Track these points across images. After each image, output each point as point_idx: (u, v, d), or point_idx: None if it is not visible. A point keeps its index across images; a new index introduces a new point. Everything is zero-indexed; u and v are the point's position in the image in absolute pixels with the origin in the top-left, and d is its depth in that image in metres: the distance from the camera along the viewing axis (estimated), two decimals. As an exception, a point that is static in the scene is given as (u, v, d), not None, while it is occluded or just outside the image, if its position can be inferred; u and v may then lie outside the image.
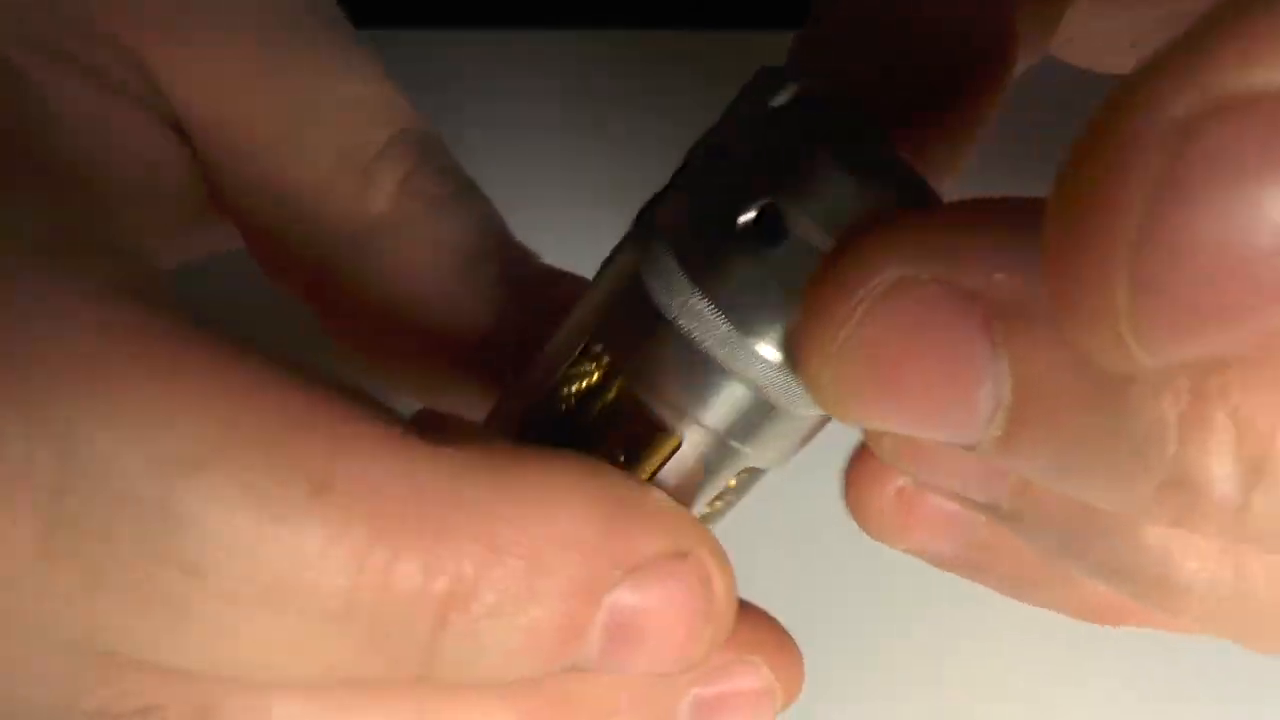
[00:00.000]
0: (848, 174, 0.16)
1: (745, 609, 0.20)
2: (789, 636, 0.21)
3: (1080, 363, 0.14)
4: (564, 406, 0.19)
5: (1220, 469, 0.14)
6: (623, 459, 0.19)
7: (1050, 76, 0.25)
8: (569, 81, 0.42)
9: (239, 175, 0.23)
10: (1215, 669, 0.33)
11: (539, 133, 0.39)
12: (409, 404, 0.24)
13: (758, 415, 0.18)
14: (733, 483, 0.20)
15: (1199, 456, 0.14)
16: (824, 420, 0.19)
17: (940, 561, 0.20)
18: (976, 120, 0.21)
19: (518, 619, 0.17)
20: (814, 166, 0.16)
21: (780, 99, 0.17)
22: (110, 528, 0.16)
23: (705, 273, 0.17)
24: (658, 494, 0.18)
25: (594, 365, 0.19)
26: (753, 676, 0.20)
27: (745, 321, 0.17)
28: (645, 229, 0.18)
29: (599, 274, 0.20)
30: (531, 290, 0.23)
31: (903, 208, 0.17)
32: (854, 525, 0.20)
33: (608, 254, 0.20)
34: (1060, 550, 0.18)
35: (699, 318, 0.17)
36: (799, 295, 0.16)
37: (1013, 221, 0.15)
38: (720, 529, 0.20)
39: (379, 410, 0.17)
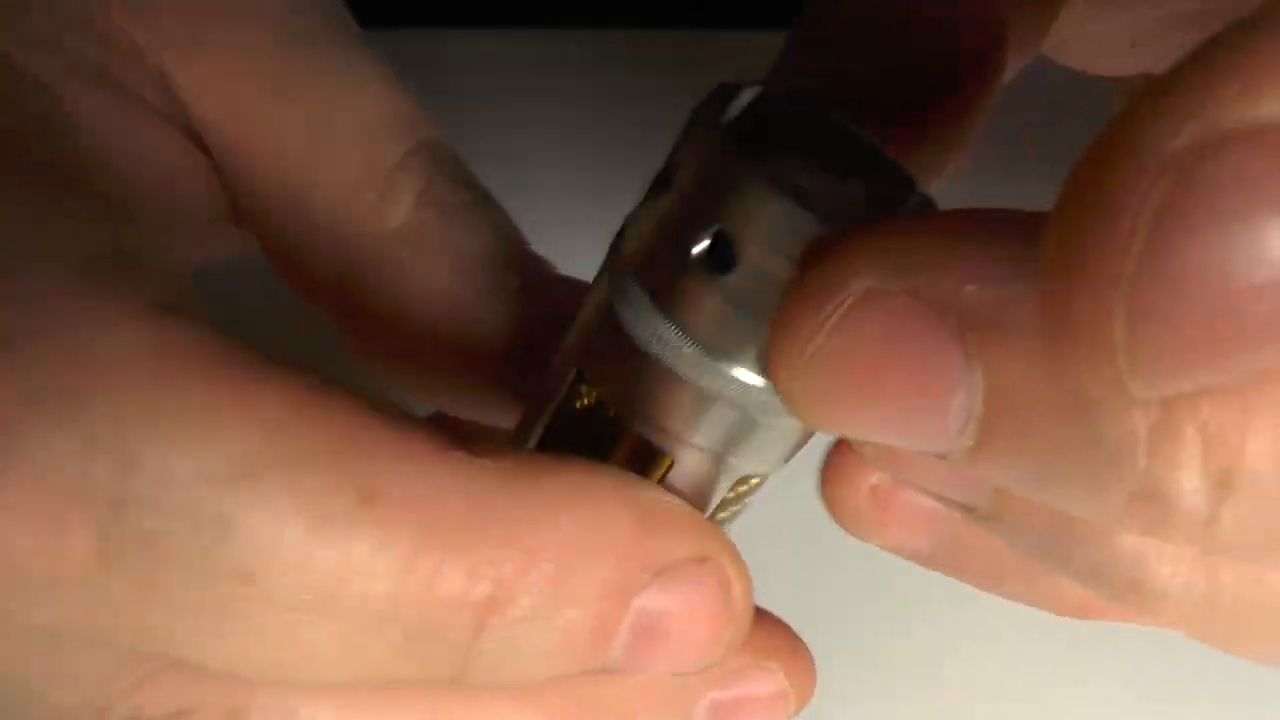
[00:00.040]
0: (788, 198, 0.16)
1: (760, 615, 0.20)
2: (802, 642, 0.21)
3: (1053, 375, 0.14)
4: (567, 425, 0.20)
5: (1190, 482, 0.14)
6: None
7: (1043, 78, 0.25)
8: (569, 81, 0.42)
9: (258, 187, 0.23)
10: (1214, 668, 0.32)
11: (539, 133, 0.39)
12: (423, 408, 0.24)
13: (744, 429, 0.18)
14: (732, 493, 0.20)
15: (1168, 470, 0.14)
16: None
17: (917, 557, 0.20)
18: (968, 121, 0.21)
19: (553, 621, 0.17)
20: (754, 192, 0.16)
21: (729, 118, 0.17)
22: (165, 538, 0.16)
23: (670, 302, 0.18)
24: (680, 501, 0.19)
25: (584, 389, 0.19)
26: (768, 681, 0.21)
27: (715, 346, 0.17)
28: (615, 258, 0.19)
29: (584, 299, 0.20)
30: (547, 298, 0.23)
31: (867, 215, 0.17)
32: (852, 526, 0.20)
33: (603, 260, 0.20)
34: (1037, 552, 0.18)
35: (670, 346, 0.18)
36: (765, 314, 0.17)
37: (985, 232, 0.14)
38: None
39: (420, 423, 0.18)
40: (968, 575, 0.21)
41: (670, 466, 0.19)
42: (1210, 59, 0.11)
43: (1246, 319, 0.11)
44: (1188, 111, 0.11)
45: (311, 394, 0.17)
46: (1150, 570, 0.17)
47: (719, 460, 0.19)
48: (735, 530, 0.21)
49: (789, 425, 0.18)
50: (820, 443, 0.20)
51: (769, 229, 0.16)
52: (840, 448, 0.20)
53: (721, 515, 0.20)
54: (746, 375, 0.18)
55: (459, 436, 0.18)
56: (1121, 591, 0.17)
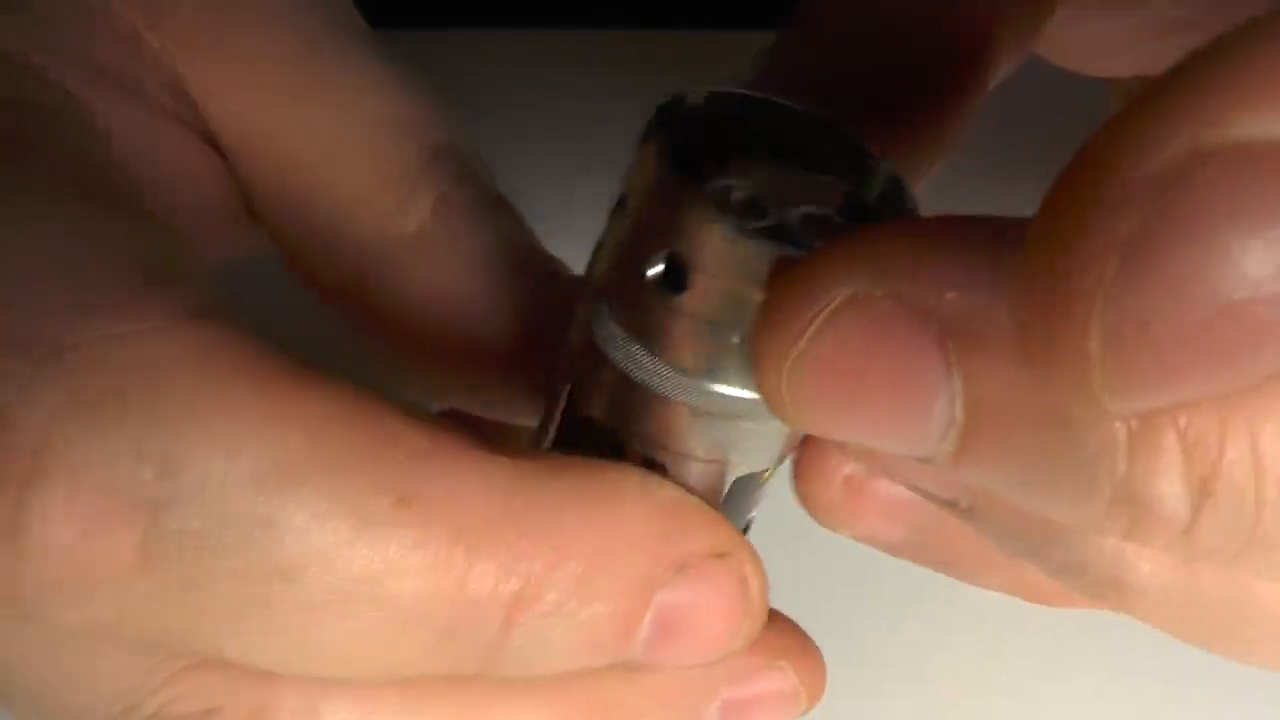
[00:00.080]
0: (730, 219, 0.16)
1: (771, 615, 0.21)
2: (812, 642, 0.21)
3: (1033, 382, 0.14)
4: (573, 434, 0.20)
5: (1169, 488, 0.14)
6: None
7: (1039, 78, 0.25)
8: (569, 81, 0.42)
9: (275, 190, 0.23)
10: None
11: (539, 133, 0.39)
12: (437, 404, 0.25)
13: (732, 434, 0.19)
14: (738, 488, 0.20)
15: (1148, 476, 0.14)
16: None
17: (890, 548, 0.21)
18: (955, 121, 0.21)
19: (579, 616, 0.18)
20: (697, 216, 0.16)
21: (670, 138, 0.17)
22: (207, 539, 0.16)
23: (636, 323, 0.18)
24: (698, 500, 0.19)
25: (575, 403, 0.20)
26: (779, 680, 0.21)
27: (686, 363, 0.18)
28: (587, 279, 0.19)
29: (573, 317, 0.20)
30: (561, 298, 0.23)
31: (823, 215, 0.17)
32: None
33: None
34: (1015, 548, 0.18)
35: (642, 366, 0.18)
36: (729, 328, 0.17)
37: (967, 239, 0.14)
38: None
39: (450, 427, 0.18)
40: (941, 565, 0.21)
41: (669, 472, 0.19)
42: (1187, 78, 0.11)
43: (1222, 339, 0.11)
44: (1164, 132, 0.11)
45: (349, 398, 0.17)
46: (1129, 568, 0.17)
47: (709, 463, 0.19)
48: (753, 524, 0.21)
49: (777, 426, 0.18)
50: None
51: (716, 250, 0.16)
52: (812, 440, 0.20)
53: (732, 511, 0.20)
54: (723, 388, 0.18)
55: (481, 436, 0.18)
56: (1100, 588, 0.17)
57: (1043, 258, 0.12)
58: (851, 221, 0.18)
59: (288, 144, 0.23)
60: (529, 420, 0.22)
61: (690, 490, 0.19)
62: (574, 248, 0.23)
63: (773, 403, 0.16)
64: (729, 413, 0.18)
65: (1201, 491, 0.14)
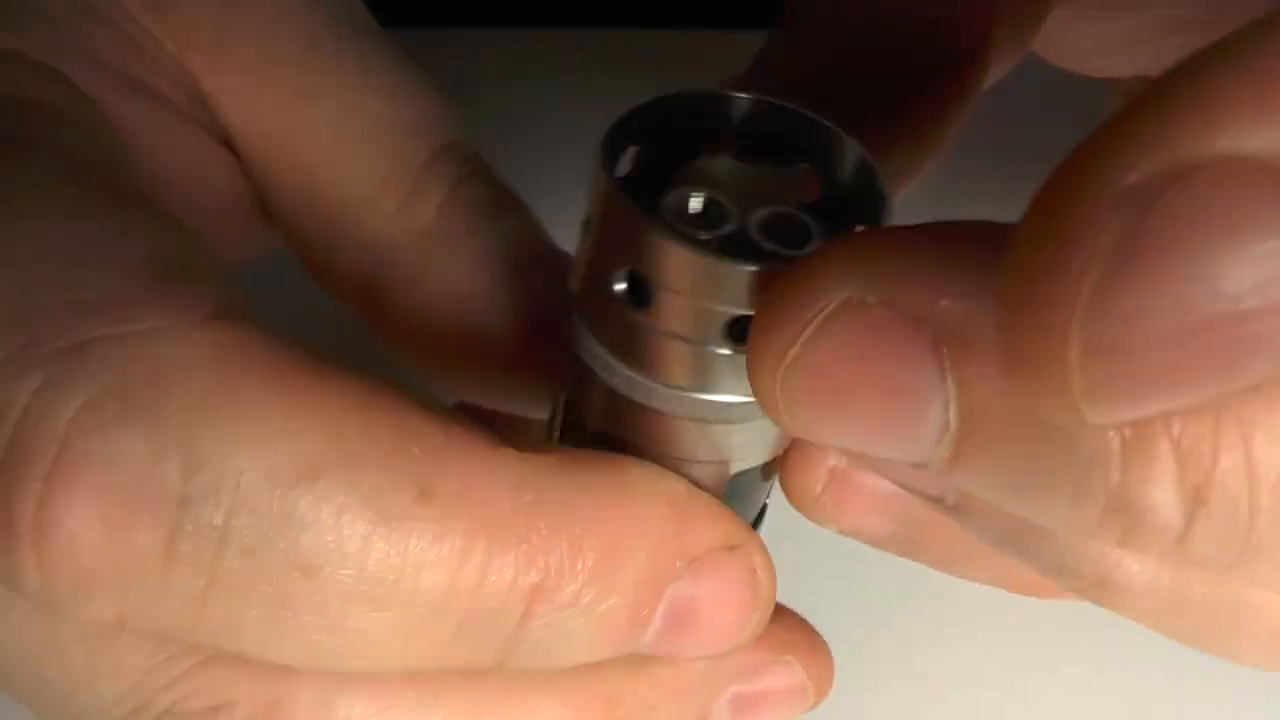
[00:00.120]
0: (683, 239, 0.16)
1: (779, 610, 0.21)
2: (820, 638, 0.21)
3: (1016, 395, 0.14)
4: (576, 434, 0.20)
5: (1163, 497, 0.14)
6: None
7: (1034, 78, 0.25)
8: (570, 81, 0.42)
9: (285, 189, 0.23)
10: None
11: (539, 133, 0.39)
12: (448, 396, 0.25)
13: (723, 437, 0.19)
14: (740, 483, 0.20)
15: (1142, 484, 0.14)
16: None
17: (876, 541, 0.21)
18: (950, 120, 0.21)
19: (595, 609, 0.18)
20: (650, 235, 0.16)
21: (621, 157, 0.17)
22: (230, 535, 0.16)
23: (610, 337, 0.18)
24: (707, 494, 0.19)
25: (571, 411, 0.20)
26: (787, 675, 0.21)
27: (662, 374, 0.18)
28: (565, 293, 0.19)
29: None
30: None
31: (786, 215, 0.17)
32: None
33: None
34: (1002, 545, 0.18)
35: (619, 377, 0.18)
36: (700, 339, 0.17)
37: (961, 246, 0.14)
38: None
39: (470, 423, 0.18)
40: (927, 558, 0.21)
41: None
42: (1171, 90, 0.11)
43: (1200, 352, 0.11)
44: (1148, 143, 0.11)
45: (369, 394, 0.17)
46: (1116, 567, 0.17)
47: (701, 465, 0.19)
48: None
49: (768, 423, 0.18)
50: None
51: (672, 268, 0.16)
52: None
53: (738, 504, 0.20)
54: (707, 395, 0.18)
55: (498, 431, 0.18)
56: (1086, 585, 0.18)
57: (1024, 267, 0.12)
58: (819, 213, 0.18)
59: (292, 145, 0.23)
60: (540, 415, 0.22)
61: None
62: (574, 247, 0.23)
63: (768, 408, 0.16)
64: (719, 418, 0.18)
65: (1195, 500, 0.14)
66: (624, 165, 0.18)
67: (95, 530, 0.16)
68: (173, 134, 0.22)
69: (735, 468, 0.19)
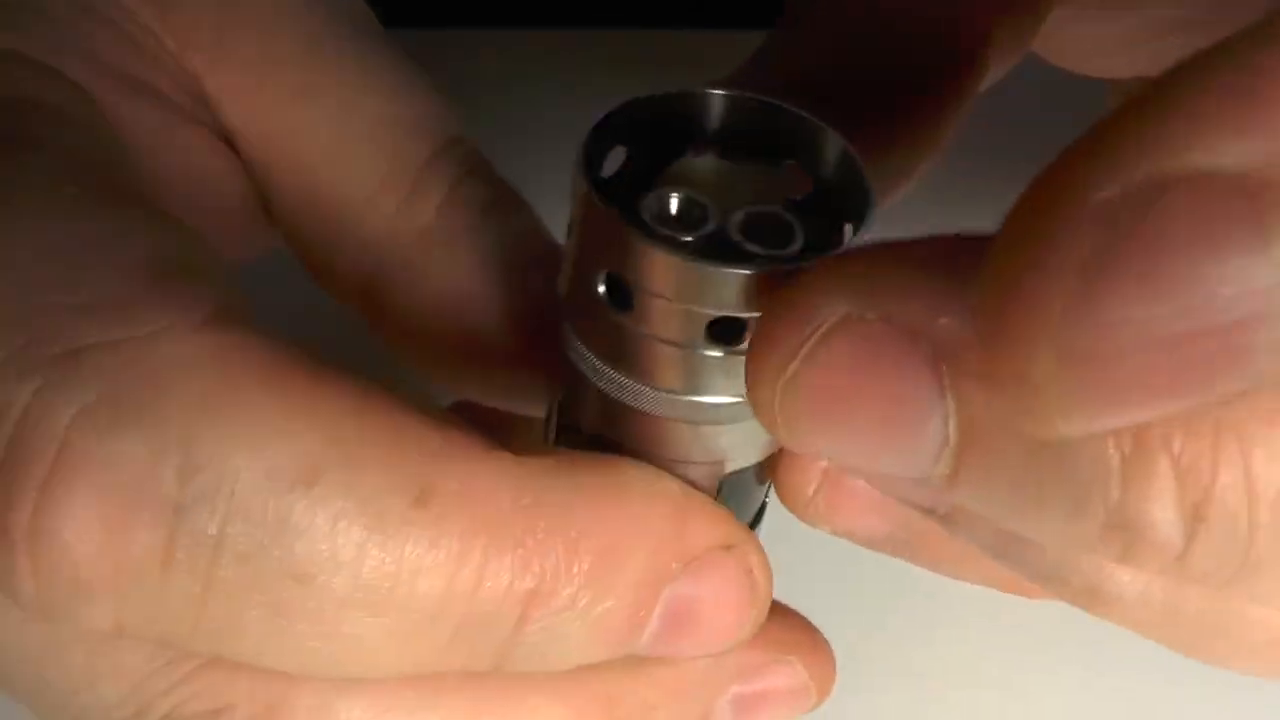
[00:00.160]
0: (660, 243, 0.16)
1: (781, 610, 0.21)
2: (822, 638, 0.21)
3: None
4: (564, 439, 0.20)
5: (1163, 514, 0.14)
6: None
7: (1034, 77, 0.25)
8: (570, 81, 0.41)
9: (286, 189, 0.23)
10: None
11: (540, 133, 0.39)
12: (450, 394, 0.24)
13: (706, 438, 0.19)
14: (737, 481, 0.20)
15: (1141, 502, 0.14)
16: None
17: (870, 542, 0.21)
18: (948, 120, 0.21)
19: (592, 611, 0.18)
20: (627, 239, 0.16)
21: (596, 160, 0.17)
22: (227, 540, 0.16)
23: (597, 341, 0.18)
24: (703, 494, 0.19)
25: (565, 413, 0.20)
26: (789, 675, 0.21)
27: (649, 377, 0.18)
28: (554, 296, 0.19)
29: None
30: None
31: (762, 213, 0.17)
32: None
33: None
34: (994, 554, 0.18)
35: (608, 380, 0.18)
36: (686, 342, 0.17)
37: (960, 260, 0.14)
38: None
39: (466, 427, 0.18)
40: (919, 559, 0.21)
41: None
42: (1143, 106, 0.11)
43: (1169, 366, 0.11)
44: (1118, 161, 0.11)
45: (366, 398, 0.17)
46: (1108, 575, 0.17)
47: (694, 465, 0.19)
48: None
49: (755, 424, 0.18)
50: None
51: (651, 271, 0.16)
52: None
53: (735, 503, 0.20)
54: (696, 397, 0.18)
55: (492, 430, 0.18)
56: (1079, 594, 0.18)
57: (1001, 278, 0.12)
58: (805, 211, 0.18)
59: (293, 144, 0.23)
60: (540, 413, 0.22)
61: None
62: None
63: (766, 422, 0.16)
64: (710, 419, 0.18)
65: (1195, 517, 0.14)
66: (610, 166, 0.18)
67: (92, 535, 0.16)
68: (173, 134, 0.22)
69: (730, 467, 0.19)
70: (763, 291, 0.16)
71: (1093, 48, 0.25)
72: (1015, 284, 0.12)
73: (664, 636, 0.19)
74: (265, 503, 0.16)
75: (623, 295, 0.17)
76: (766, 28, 0.22)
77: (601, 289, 0.17)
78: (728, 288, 0.16)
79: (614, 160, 0.18)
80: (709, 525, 0.19)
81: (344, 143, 0.23)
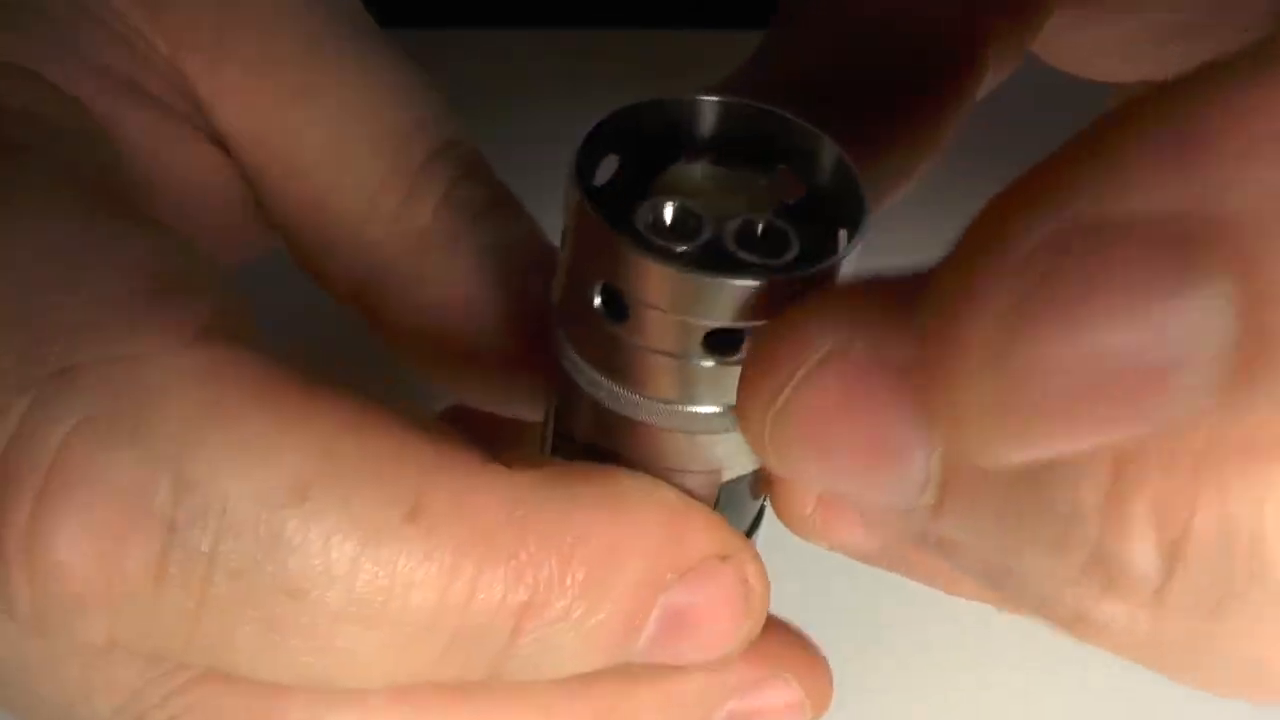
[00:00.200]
0: (653, 255, 0.16)
1: (777, 626, 0.21)
2: (819, 654, 0.22)
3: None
4: (559, 448, 0.20)
5: (1141, 552, 0.14)
6: None
7: (1034, 78, 0.25)
8: (570, 81, 0.41)
9: (283, 191, 0.23)
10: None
11: (539, 133, 0.38)
12: (448, 396, 0.24)
13: (703, 448, 0.19)
14: (735, 489, 0.20)
15: (1119, 540, 0.14)
16: None
17: (865, 558, 0.20)
18: (944, 123, 0.21)
19: (586, 622, 0.18)
20: (621, 251, 0.16)
21: (590, 171, 0.17)
22: (222, 554, 0.16)
23: (592, 351, 0.18)
24: (700, 503, 0.19)
25: (560, 422, 0.20)
26: (784, 691, 0.21)
27: (644, 385, 0.18)
28: (548, 305, 0.19)
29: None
30: None
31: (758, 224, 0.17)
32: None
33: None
34: (981, 579, 0.18)
35: (603, 390, 0.18)
36: (680, 353, 0.17)
37: None
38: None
39: (459, 439, 0.18)
40: (915, 575, 0.21)
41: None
42: (1070, 155, 0.12)
43: (1089, 404, 0.12)
44: (1044, 208, 0.11)
45: (358, 412, 0.17)
46: (1095, 606, 0.17)
47: (690, 474, 0.19)
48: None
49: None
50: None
51: (645, 283, 0.16)
52: None
53: (731, 512, 0.20)
54: (690, 408, 0.18)
55: (490, 433, 0.18)
56: (1065, 623, 0.17)
57: (933, 320, 0.12)
58: (800, 217, 0.18)
59: (293, 145, 0.23)
60: (537, 416, 0.22)
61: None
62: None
63: (757, 451, 0.16)
64: (707, 429, 0.18)
65: (1173, 555, 0.14)
66: (604, 174, 0.18)
67: (86, 553, 0.16)
68: (168, 138, 0.22)
69: (727, 475, 0.19)
70: (758, 302, 0.16)
71: (1093, 51, 0.25)
72: (948, 323, 0.12)
73: (660, 643, 0.19)
74: (258, 519, 0.16)
75: (618, 306, 0.17)
76: (766, 28, 0.22)
77: (597, 301, 0.17)
78: (723, 299, 0.16)
79: (607, 167, 0.18)
80: (704, 534, 0.19)
81: (343, 144, 0.22)
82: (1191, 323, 0.11)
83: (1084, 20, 0.24)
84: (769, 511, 0.21)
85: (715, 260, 0.17)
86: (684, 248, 0.17)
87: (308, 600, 0.17)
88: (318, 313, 0.25)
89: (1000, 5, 0.22)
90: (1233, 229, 0.11)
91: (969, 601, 0.25)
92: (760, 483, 0.20)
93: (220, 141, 0.23)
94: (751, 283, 0.16)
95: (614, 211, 0.17)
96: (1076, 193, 0.11)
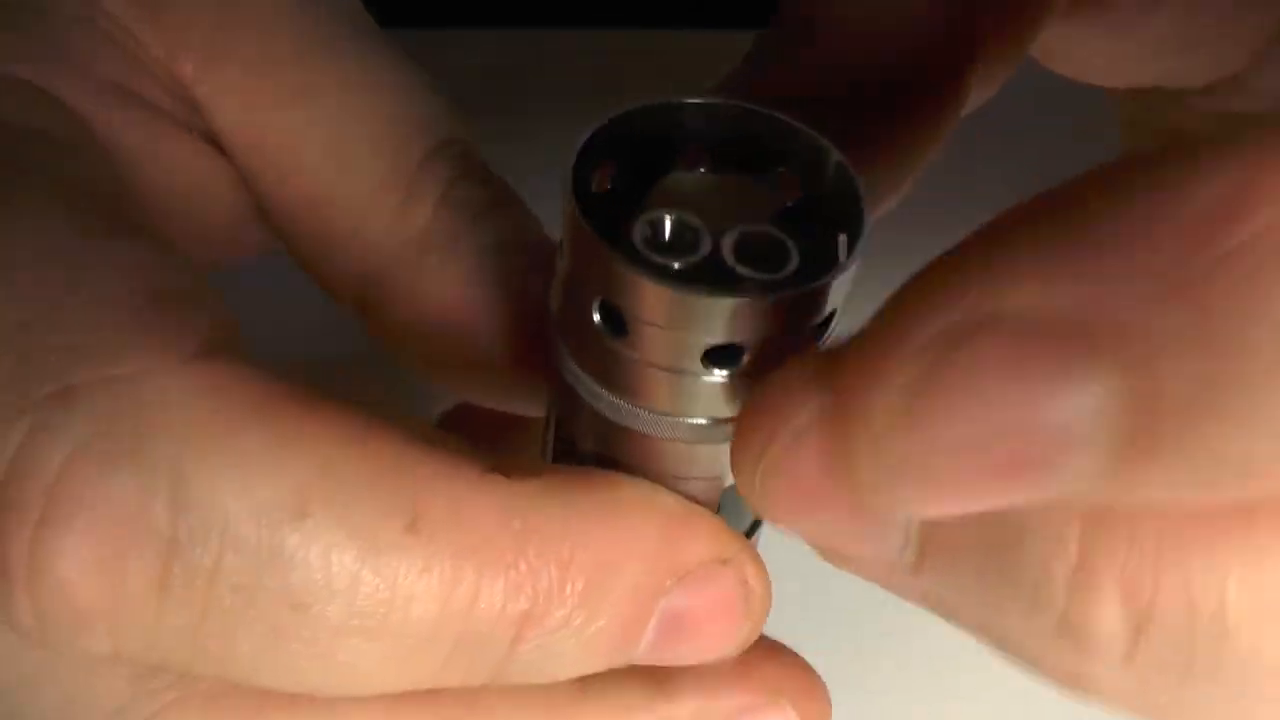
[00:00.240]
0: (649, 272, 0.16)
1: (776, 651, 0.21)
2: (818, 680, 0.22)
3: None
4: (561, 455, 0.20)
5: (1108, 623, 0.15)
6: None
7: (1034, 79, 0.25)
8: (570, 81, 0.41)
9: (281, 193, 0.23)
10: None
11: (539, 133, 0.38)
12: (449, 396, 0.24)
13: (703, 456, 0.19)
14: (730, 496, 0.20)
15: (1086, 609, 0.15)
16: None
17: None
18: (935, 129, 0.21)
19: (586, 630, 0.18)
20: (616, 267, 0.16)
21: (585, 183, 0.17)
22: (224, 570, 0.17)
23: (591, 363, 0.18)
24: (699, 508, 0.19)
25: (561, 429, 0.20)
26: (781, 718, 0.21)
27: (644, 397, 0.18)
28: (547, 314, 0.19)
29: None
30: None
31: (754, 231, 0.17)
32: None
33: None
34: (968, 629, 0.18)
35: (603, 402, 0.18)
36: (679, 366, 0.17)
37: None
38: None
39: (458, 449, 0.18)
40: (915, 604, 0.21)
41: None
42: (971, 251, 0.13)
43: (974, 475, 0.13)
44: (944, 299, 0.13)
45: (356, 426, 0.18)
46: (1076, 665, 0.17)
47: (692, 481, 0.19)
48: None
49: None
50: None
51: (642, 300, 0.16)
52: None
53: (732, 515, 0.20)
54: (688, 419, 0.18)
55: (493, 430, 0.18)
56: (1053, 678, 0.18)
57: (841, 395, 0.14)
58: (797, 223, 0.18)
59: (289, 146, 0.22)
60: (538, 412, 0.22)
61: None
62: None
63: (750, 501, 0.16)
64: (707, 439, 0.18)
65: (1138, 628, 0.14)
66: (599, 180, 0.18)
67: (88, 572, 0.16)
68: (164, 141, 0.22)
69: (729, 481, 0.19)
70: (757, 318, 0.16)
71: (1091, 60, 0.25)
72: (858, 398, 0.14)
73: (659, 646, 0.19)
74: (258, 535, 0.17)
75: (616, 322, 0.17)
76: (766, 28, 0.22)
77: (596, 316, 0.17)
78: (722, 316, 0.16)
79: (604, 171, 0.18)
80: (703, 539, 0.19)
81: (342, 143, 0.22)
82: (1069, 407, 0.12)
83: (1082, 35, 0.24)
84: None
85: (713, 275, 0.17)
86: (681, 263, 0.17)
87: (310, 614, 0.17)
88: (318, 313, 0.25)
89: (998, 7, 0.22)
90: (1111, 325, 0.12)
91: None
92: None
93: (216, 143, 0.23)
94: (749, 300, 0.16)
95: (611, 221, 0.17)
96: (967, 290, 0.13)
